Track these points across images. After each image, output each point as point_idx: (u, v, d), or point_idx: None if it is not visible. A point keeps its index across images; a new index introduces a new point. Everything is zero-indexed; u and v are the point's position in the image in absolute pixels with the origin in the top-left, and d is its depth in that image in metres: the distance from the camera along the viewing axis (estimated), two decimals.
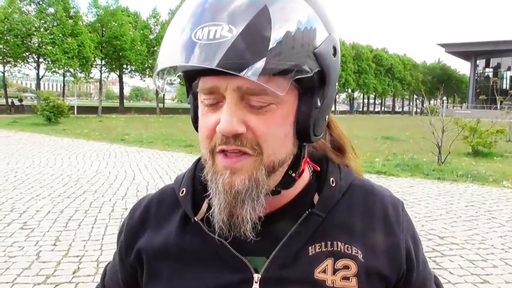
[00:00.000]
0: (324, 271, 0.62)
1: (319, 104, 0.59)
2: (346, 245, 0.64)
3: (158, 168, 9.32)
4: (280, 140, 0.58)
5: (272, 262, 0.62)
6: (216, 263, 0.64)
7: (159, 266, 0.67)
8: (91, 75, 38.45)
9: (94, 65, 37.73)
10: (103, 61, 39.08)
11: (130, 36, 37.48)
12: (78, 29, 33.79)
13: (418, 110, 67.84)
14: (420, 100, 77.12)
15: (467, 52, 68.73)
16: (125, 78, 45.73)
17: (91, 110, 37.46)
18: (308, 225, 0.64)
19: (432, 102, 74.70)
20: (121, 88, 45.64)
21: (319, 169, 0.68)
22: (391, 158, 11.42)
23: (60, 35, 32.57)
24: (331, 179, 0.67)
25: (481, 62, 71.42)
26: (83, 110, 36.42)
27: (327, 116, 0.63)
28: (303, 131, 0.59)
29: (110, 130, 19.17)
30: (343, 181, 0.68)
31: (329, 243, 0.63)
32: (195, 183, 0.70)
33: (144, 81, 50.21)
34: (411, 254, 0.68)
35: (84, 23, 36.87)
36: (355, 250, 0.64)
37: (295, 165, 0.63)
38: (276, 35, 0.51)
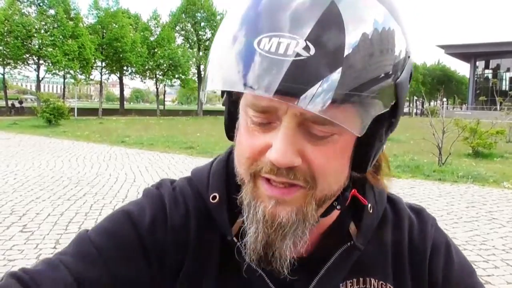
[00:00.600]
0: None
1: (384, 137, 0.52)
2: (381, 282, 0.59)
3: (158, 170, 9.32)
4: (337, 173, 0.51)
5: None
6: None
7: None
8: (91, 77, 38.50)
9: (94, 67, 37.77)
10: (103, 63, 39.13)
11: (131, 37, 37.50)
12: (78, 30, 33.81)
13: (418, 112, 67.89)
14: (420, 101, 77.10)
15: (466, 53, 68.74)
16: (126, 80, 45.88)
17: (92, 112, 37.45)
18: (347, 259, 0.57)
19: (432, 103, 74.74)
20: (122, 90, 45.71)
21: (366, 202, 0.59)
22: (391, 160, 11.37)
23: (61, 36, 32.58)
24: (369, 205, 0.60)
25: (480, 64, 71.42)
26: (84, 112, 36.42)
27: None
28: (362, 164, 0.52)
29: (110, 132, 19.16)
30: (379, 206, 0.61)
31: (361, 279, 0.58)
32: (229, 188, 0.59)
33: (144, 82, 50.35)
34: (447, 262, 0.63)
35: (85, 24, 36.93)
36: (388, 285, 0.59)
37: (341, 196, 0.55)
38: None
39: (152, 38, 42.09)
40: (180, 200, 0.61)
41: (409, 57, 0.50)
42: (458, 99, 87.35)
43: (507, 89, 55.46)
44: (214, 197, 0.59)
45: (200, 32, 46.81)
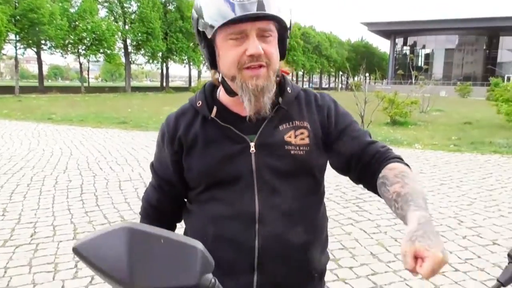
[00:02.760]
0: (290, 136, 1.05)
1: (288, 37, 1.02)
2: (300, 122, 1.07)
3: (94, 144, 9.27)
4: (276, 57, 0.99)
5: (260, 135, 1.04)
6: (227, 141, 1.04)
7: (193, 148, 1.07)
8: (3, 52, 35.53)
9: (7, 41, 34.83)
10: (17, 36, 36.21)
11: (48, 9, 35.00)
12: None
13: (344, 86, 71.03)
14: (346, 76, 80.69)
15: (387, 31, 72.76)
16: (43, 55, 42.81)
17: (5, 90, 34.71)
18: (278, 114, 1.06)
19: (356, 78, 78.51)
20: (40, 66, 42.69)
21: (288, 73, 1.12)
22: None
23: None
24: (288, 88, 1.09)
25: (399, 41, 76.04)
26: None
27: None
28: (283, 53, 1.03)
29: (33, 110, 18.18)
30: (295, 89, 1.11)
31: (291, 122, 1.06)
32: (206, 97, 1.10)
33: (65, 58, 47.46)
34: (330, 111, 1.11)
35: None
36: (305, 123, 1.07)
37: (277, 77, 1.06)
38: None
39: (72, 10, 39.60)
40: (171, 119, 1.12)
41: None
42: (379, 74, 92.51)
43: (422, 64, 59.78)
44: (199, 103, 1.09)
45: (125, 5, 44.73)
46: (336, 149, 1.07)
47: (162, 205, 1.18)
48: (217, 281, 0.60)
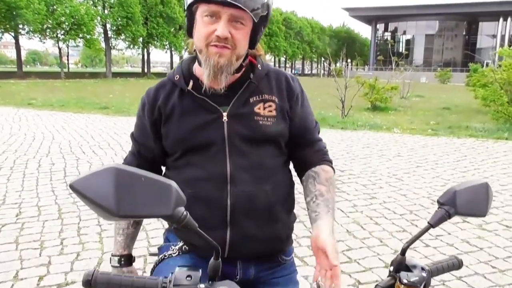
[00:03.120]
0: (259, 108, 1.17)
1: (262, 31, 1.13)
2: (269, 95, 1.19)
3: (76, 128, 9.24)
4: (244, 44, 1.10)
5: (232, 106, 1.15)
6: (202, 111, 1.16)
7: (171, 117, 1.18)
8: None
9: None
10: None
11: None
12: None
13: (326, 72, 71.27)
14: (328, 62, 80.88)
15: (368, 16, 73.12)
16: (21, 40, 41.67)
17: None
18: (249, 88, 1.18)
19: (338, 64, 78.89)
20: (18, 51, 41.64)
21: (255, 62, 1.21)
22: None
23: None
24: (259, 65, 1.21)
25: (380, 27, 76.49)
26: None
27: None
28: (253, 43, 1.13)
29: (12, 95, 17.87)
30: (265, 67, 1.23)
31: (260, 96, 1.19)
32: (183, 71, 1.21)
33: (44, 43, 46.31)
34: (298, 97, 1.24)
35: None
36: (274, 97, 1.19)
37: (245, 59, 1.16)
38: None
39: None
40: (151, 92, 1.23)
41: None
42: (361, 60, 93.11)
43: (403, 50, 60.36)
44: (176, 77, 1.20)
45: None
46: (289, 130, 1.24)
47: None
48: (188, 214, 0.71)
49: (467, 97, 17.13)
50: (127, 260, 1.29)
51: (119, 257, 1.28)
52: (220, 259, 0.77)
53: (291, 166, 1.28)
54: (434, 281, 2.79)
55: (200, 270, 0.78)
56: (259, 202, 1.15)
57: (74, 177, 0.64)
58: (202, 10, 1.06)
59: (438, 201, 0.89)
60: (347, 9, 74.20)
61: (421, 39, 70.90)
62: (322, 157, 1.24)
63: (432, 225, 0.87)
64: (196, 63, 1.18)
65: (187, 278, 0.76)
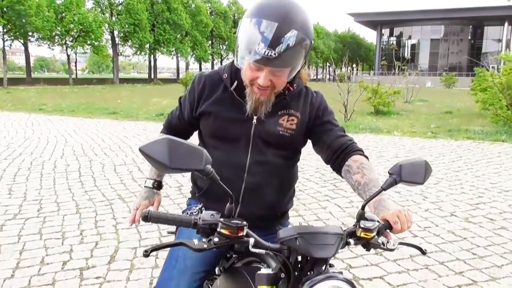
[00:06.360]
0: (283, 120, 1.43)
1: (303, 65, 1.34)
2: (295, 111, 1.45)
3: (88, 132, 9.62)
4: (282, 84, 1.34)
5: (262, 114, 1.40)
6: (239, 110, 1.40)
7: (211, 107, 1.44)
8: None
9: None
10: (4, 28, 35.95)
11: (35, 0, 34.79)
12: None
13: (331, 77, 71.47)
14: (333, 67, 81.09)
15: (373, 21, 73.32)
16: (30, 47, 42.39)
17: None
18: (281, 101, 1.43)
19: (343, 69, 79.04)
20: (28, 58, 42.42)
21: (292, 89, 1.44)
22: None
23: None
24: (294, 85, 1.45)
25: (386, 31, 76.69)
26: None
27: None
28: (293, 79, 1.39)
29: (23, 101, 18.37)
30: (299, 86, 1.49)
31: (288, 110, 1.44)
32: (231, 72, 1.44)
33: (52, 49, 47.08)
34: (320, 106, 1.49)
35: None
36: (298, 113, 1.45)
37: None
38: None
39: (59, 1, 39.37)
40: (202, 79, 1.48)
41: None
42: (366, 65, 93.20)
43: (408, 55, 60.44)
44: (225, 75, 1.44)
45: None
46: (317, 134, 1.48)
47: (177, 128, 1.60)
48: (213, 170, 1.02)
49: (470, 101, 17.31)
50: (158, 185, 1.61)
51: (153, 181, 1.60)
52: (233, 204, 1.07)
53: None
54: (417, 272, 3.09)
55: (220, 214, 1.09)
56: (266, 191, 1.47)
57: (141, 143, 0.97)
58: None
59: (388, 172, 1.17)
60: (353, 15, 74.48)
61: (427, 43, 71.04)
62: (350, 150, 1.42)
63: (384, 188, 1.14)
64: None
65: (211, 216, 1.08)
